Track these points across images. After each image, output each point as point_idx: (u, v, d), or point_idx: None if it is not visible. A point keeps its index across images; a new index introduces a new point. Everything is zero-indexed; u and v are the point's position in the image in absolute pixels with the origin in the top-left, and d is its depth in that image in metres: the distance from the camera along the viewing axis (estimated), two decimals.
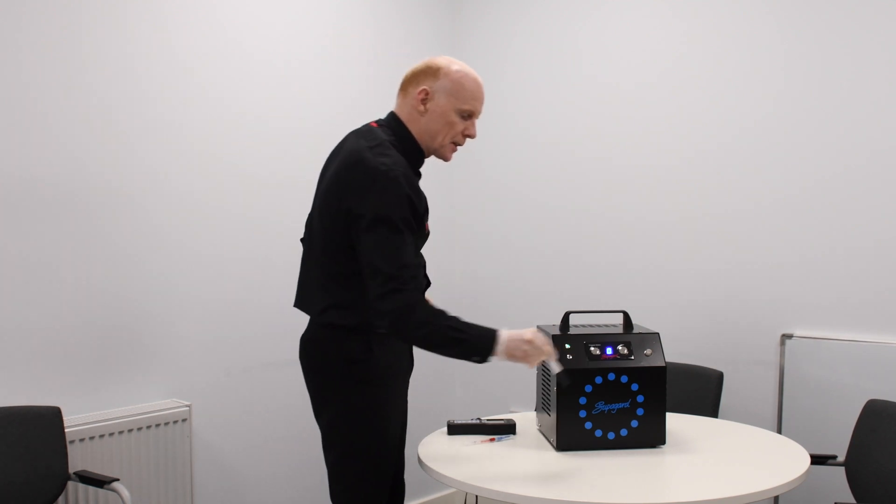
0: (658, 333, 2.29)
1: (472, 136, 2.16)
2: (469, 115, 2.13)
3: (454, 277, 3.78)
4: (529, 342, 1.99)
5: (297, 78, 3.17)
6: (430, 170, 3.62)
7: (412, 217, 2.01)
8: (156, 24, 2.72)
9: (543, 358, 2.04)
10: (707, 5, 3.13)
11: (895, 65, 2.75)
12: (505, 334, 2.00)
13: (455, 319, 1.99)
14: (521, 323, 3.56)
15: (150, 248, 2.73)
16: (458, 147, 2.18)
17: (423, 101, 2.11)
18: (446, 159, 2.20)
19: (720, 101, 3.10)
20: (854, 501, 2.43)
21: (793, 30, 2.93)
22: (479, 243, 3.80)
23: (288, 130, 3.15)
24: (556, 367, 2.07)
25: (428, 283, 2.30)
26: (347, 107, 3.31)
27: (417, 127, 2.14)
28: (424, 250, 2.25)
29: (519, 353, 2.00)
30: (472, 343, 1.98)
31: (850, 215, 2.84)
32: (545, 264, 3.60)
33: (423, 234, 2.13)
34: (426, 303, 2.05)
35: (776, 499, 2.89)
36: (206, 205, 2.88)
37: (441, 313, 2.00)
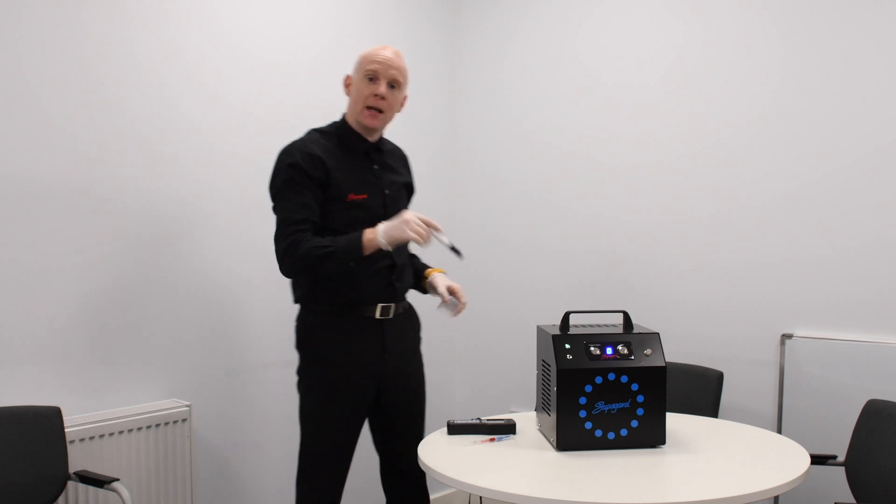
0: (658, 333, 2.29)
1: (379, 94, 2.36)
2: (373, 78, 2.38)
3: (454, 276, 3.78)
4: (405, 220, 2.23)
5: (297, 77, 3.17)
6: (431, 169, 3.64)
7: (299, 177, 2.30)
8: (157, 24, 2.72)
9: (429, 231, 2.25)
10: (706, 5, 3.13)
11: (894, 62, 2.75)
12: (379, 226, 2.26)
13: (321, 240, 2.27)
14: (522, 323, 3.60)
15: (149, 247, 2.73)
16: (380, 112, 2.39)
17: (347, 86, 2.46)
18: (367, 125, 2.42)
19: (719, 100, 3.10)
20: (854, 501, 2.43)
21: (792, 29, 2.93)
22: (480, 243, 3.80)
23: (287, 131, 3.15)
24: (446, 239, 2.26)
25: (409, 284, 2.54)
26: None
27: (349, 110, 2.46)
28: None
29: (398, 233, 2.24)
30: (342, 251, 2.25)
31: (850, 215, 2.84)
32: (545, 264, 3.60)
33: (338, 197, 2.34)
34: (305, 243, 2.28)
35: (776, 499, 2.89)
36: (204, 204, 2.88)
37: (309, 240, 2.27)
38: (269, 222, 3.09)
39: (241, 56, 2.97)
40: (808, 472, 2.04)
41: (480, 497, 1.96)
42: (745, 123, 3.05)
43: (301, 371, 2.45)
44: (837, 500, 2.49)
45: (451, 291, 2.49)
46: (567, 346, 2.22)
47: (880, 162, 2.78)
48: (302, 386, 2.45)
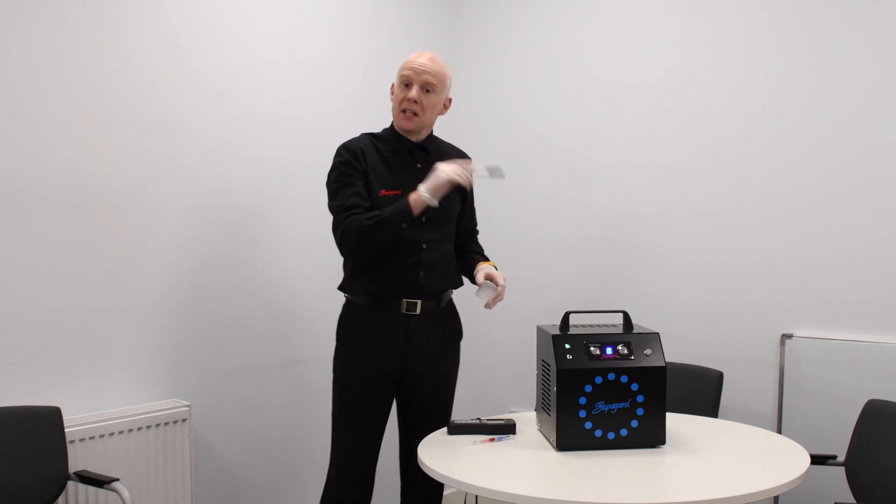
0: (658, 333, 2.29)
1: (410, 98, 2.48)
2: (408, 83, 2.49)
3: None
4: (439, 170, 2.35)
5: (297, 77, 3.17)
6: None
7: (348, 170, 2.46)
8: (156, 22, 2.72)
9: (465, 169, 2.33)
10: (706, 5, 3.13)
11: (894, 62, 2.75)
12: (420, 186, 2.38)
13: (370, 212, 2.39)
14: (521, 322, 3.59)
15: (149, 247, 2.72)
16: (413, 114, 2.49)
17: (392, 93, 2.55)
18: (403, 126, 2.53)
19: (719, 100, 3.10)
20: (854, 501, 2.43)
21: (792, 29, 2.93)
22: (479, 242, 3.79)
23: (287, 130, 3.15)
24: (483, 171, 2.31)
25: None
26: (347, 106, 3.32)
27: (392, 114, 2.57)
28: None
29: (436, 181, 2.35)
30: (391, 214, 2.36)
31: (850, 215, 2.84)
32: (545, 264, 3.60)
33: (373, 191, 2.46)
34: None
35: (776, 499, 2.89)
36: (205, 205, 2.88)
37: (360, 217, 2.39)
38: (270, 223, 3.10)
39: (242, 56, 2.97)
40: (808, 472, 2.04)
41: (476, 496, 1.96)
42: (745, 123, 3.05)
43: (334, 354, 2.58)
44: (837, 500, 2.50)
45: (489, 277, 2.53)
46: (567, 346, 2.22)
47: (880, 162, 2.78)
48: (333, 369, 2.57)
